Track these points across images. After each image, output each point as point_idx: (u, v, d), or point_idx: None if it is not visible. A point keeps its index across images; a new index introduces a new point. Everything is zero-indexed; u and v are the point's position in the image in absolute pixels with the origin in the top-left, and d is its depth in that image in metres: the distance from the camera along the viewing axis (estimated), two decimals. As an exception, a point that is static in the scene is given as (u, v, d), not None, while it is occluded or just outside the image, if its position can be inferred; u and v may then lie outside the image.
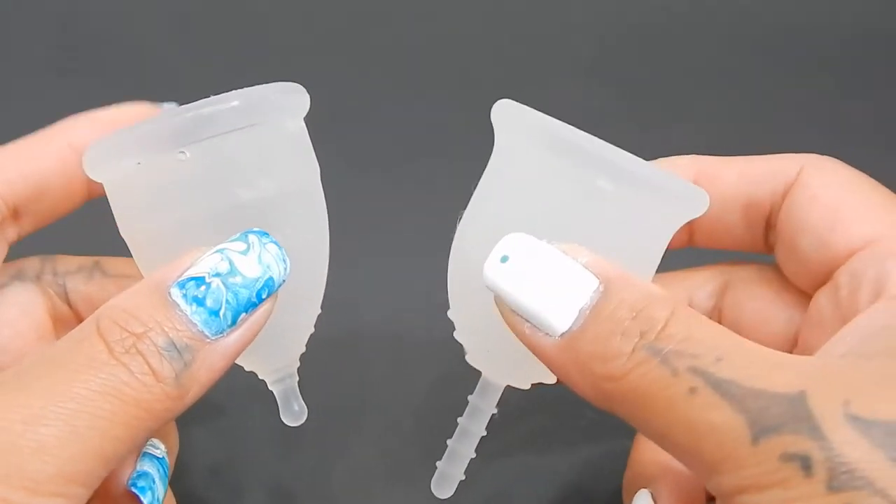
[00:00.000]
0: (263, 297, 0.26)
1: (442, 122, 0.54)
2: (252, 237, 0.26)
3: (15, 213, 0.31)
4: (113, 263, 0.33)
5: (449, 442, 0.31)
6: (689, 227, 0.31)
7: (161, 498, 0.28)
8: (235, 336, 0.25)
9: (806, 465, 0.22)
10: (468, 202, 0.30)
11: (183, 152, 0.27)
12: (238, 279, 0.25)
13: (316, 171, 0.30)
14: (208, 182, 0.27)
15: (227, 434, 0.39)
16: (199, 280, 0.25)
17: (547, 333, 0.25)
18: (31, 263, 0.33)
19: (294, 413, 0.31)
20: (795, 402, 0.22)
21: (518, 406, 0.38)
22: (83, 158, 0.28)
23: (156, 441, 0.29)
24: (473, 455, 0.31)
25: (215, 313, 0.25)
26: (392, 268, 0.45)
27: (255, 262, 0.26)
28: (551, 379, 0.29)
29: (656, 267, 0.29)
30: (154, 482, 0.28)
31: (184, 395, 0.25)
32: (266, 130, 0.28)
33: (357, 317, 0.43)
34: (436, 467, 0.31)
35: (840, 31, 0.61)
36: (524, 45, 0.60)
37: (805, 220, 0.29)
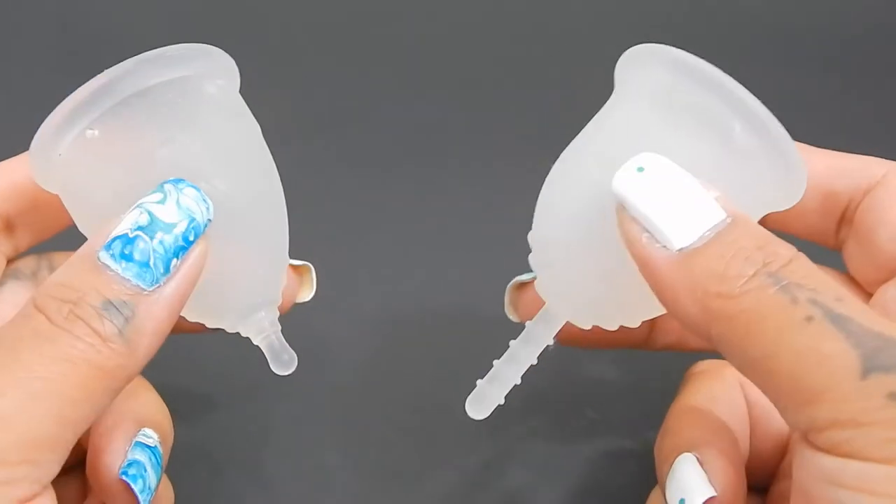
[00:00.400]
0: (191, 239, 0.26)
1: (442, 122, 0.54)
2: (167, 186, 0.26)
3: (8, 226, 0.31)
4: None
5: (495, 362, 0.30)
6: None
7: (154, 487, 0.29)
8: (174, 283, 0.26)
9: None
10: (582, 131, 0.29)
11: (92, 130, 0.27)
12: (159, 225, 0.26)
13: (251, 126, 0.30)
14: (125, 150, 0.27)
15: (227, 433, 0.39)
16: (123, 237, 0.25)
17: (664, 246, 0.25)
18: (27, 261, 0.33)
19: (283, 363, 0.30)
20: None
21: (518, 406, 0.38)
22: (34, 175, 0.29)
23: (148, 430, 0.29)
24: (518, 382, 0.30)
25: (145, 265, 0.25)
26: (392, 267, 0.45)
27: (173, 208, 0.26)
28: (612, 325, 0.29)
29: None
30: (146, 470, 0.28)
31: (134, 349, 0.25)
32: (171, 88, 0.28)
33: (356, 316, 0.43)
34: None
35: (841, 31, 0.61)
36: (524, 45, 0.60)
37: (884, 215, 0.30)
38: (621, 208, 0.26)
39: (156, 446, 0.29)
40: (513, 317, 0.33)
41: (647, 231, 0.25)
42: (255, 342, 0.30)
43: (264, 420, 0.38)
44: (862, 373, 0.22)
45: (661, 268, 0.25)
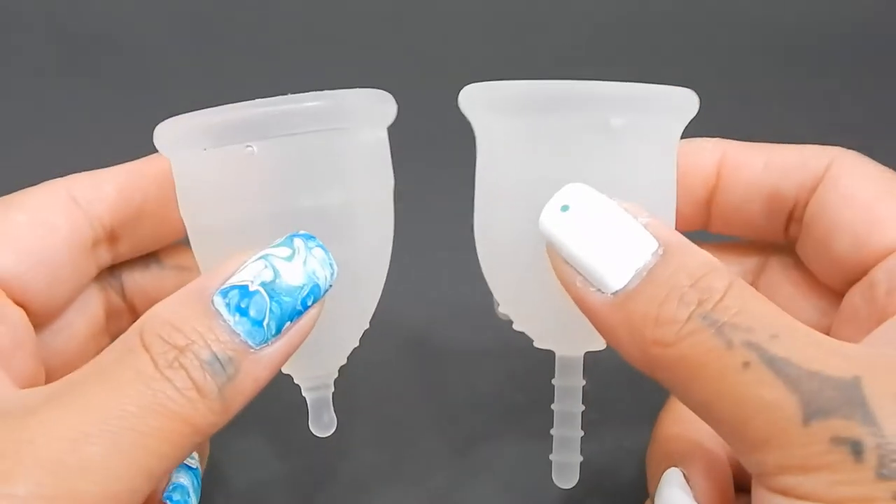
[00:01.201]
0: (308, 304, 0.25)
1: (442, 122, 0.54)
2: (297, 241, 0.25)
3: (112, 237, 0.30)
4: (170, 252, 0.32)
5: (553, 431, 0.30)
6: (707, 211, 0.31)
7: None
8: (279, 345, 0.25)
9: (856, 450, 0.22)
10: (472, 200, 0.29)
11: (251, 146, 0.26)
12: (282, 287, 0.24)
13: (389, 184, 0.29)
14: (272, 181, 0.26)
15: (223, 434, 0.39)
16: (242, 288, 0.24)
17: (599, 290, 0.25)
18: None
19: (323, 424, 0.30)
20: (850, 387, 0.22)
21: (517, 406, 0.38)
22: (155, 132, 0.28)
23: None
24: (582, 433, 0.30)
25: (259, 323, 0.24)
26: (392, 267, 0.45)
27: (299, 268, 0.25)
28: None
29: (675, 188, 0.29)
30: (189, 495, 0.28)
31: (227, 408, 0.24)
32: (341, 137, 0.27)
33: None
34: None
35: (841, 31, 0.61)
36: (523, 45, 0.60)
37: (840, 219, 0.29)
38: (552, 249, 0.25)
39: (197, 468, 0.29)
40: (503, 316, 0.33)
41: (581, 274, 0.25)
42: (304, 393, 0.30)
43: (263, 420, 0.38)
44: (804, 419, 0.22)
45: (600, 312, 0.25)
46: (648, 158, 0.27)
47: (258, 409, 0.39)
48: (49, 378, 0.30)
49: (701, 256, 0.25)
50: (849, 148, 0.31)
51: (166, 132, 0.28)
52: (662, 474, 0.28)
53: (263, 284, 0.24)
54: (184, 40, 0.61)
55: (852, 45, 0.60)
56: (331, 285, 0.26)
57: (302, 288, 0.25)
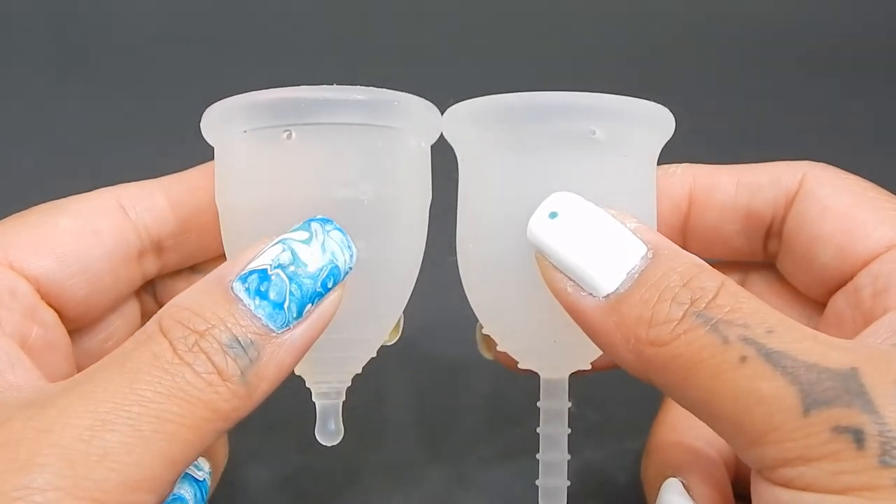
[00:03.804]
0: (329, 286, 0.25)
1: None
2: (314, 225, 0.25)
3: (159, 247, 0.30)
4: (207, 261, 0.32)
5: (539, 456, 0.30)
6: (683, 234, 0.31)
7: None
8: (302, 329, 0.24)
9: (858, 438, 0.22)
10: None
11: (289, 131, 0.26)
12: (301, 269, 0.25)
13: (426, 195, 0.29)
14: (307, 169, 0.26)
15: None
16: (261, 272, 0.24)
17: (590, 294, 0.25)
18: None
19: (329, 433, 0.29)
20: (848, 377, 0.22)
21: (518, 408, 0.38)
22: (202, 118, 0.28)
23: (200, 461, 0.28)
24: (569, 457, 0.30)
25: (279, 306, 0.24)
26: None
27: (318, 250, 0.25)
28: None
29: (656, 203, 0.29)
30: None
31: (252, 392, 0.24)
32: (387, 135, 0.27)
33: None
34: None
35: (840, 31, 0.61)
36: (523, 46, 0.60)
37: (820, 232, 0.29)
38: (541, 256, 0.25)
39: (205, 480, 0.28)
40: (486, 355, 0.33)
41: (571, 280, 0.25)
42: (314, 398, 0.29)
43: (263, 421, 0.38)
44: (803, 409, 0.22)
45: (591, 317, 0.25)
46: (630, 170, 0.27)
47: (257, 410, 0.39)
48: None
49: (690, 258, 0.25)
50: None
51: (209, 115, 0.28)
52: (661, 485, 0.28)
53: (282, 267, 0.24)
54: (184, 41, 0.61)
55: (852, 46, 0.60)
56: (350, 268, 0.26)
57: (321, 269, 0.25)
